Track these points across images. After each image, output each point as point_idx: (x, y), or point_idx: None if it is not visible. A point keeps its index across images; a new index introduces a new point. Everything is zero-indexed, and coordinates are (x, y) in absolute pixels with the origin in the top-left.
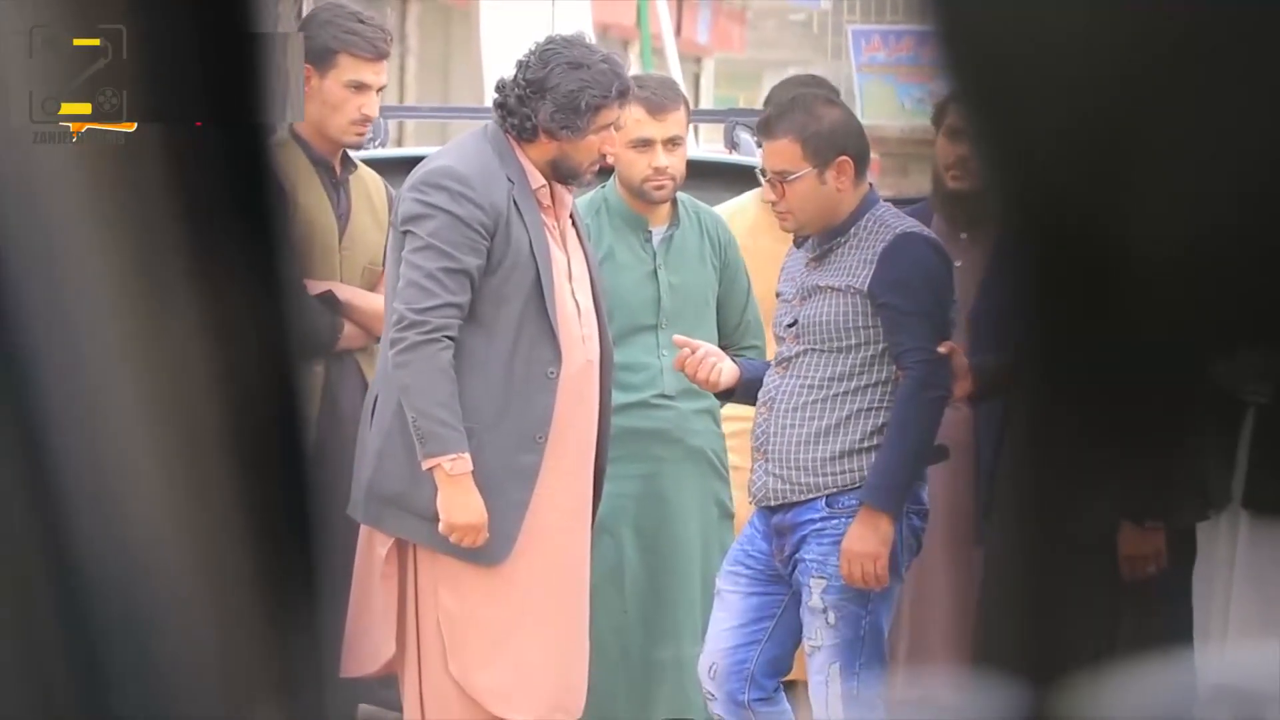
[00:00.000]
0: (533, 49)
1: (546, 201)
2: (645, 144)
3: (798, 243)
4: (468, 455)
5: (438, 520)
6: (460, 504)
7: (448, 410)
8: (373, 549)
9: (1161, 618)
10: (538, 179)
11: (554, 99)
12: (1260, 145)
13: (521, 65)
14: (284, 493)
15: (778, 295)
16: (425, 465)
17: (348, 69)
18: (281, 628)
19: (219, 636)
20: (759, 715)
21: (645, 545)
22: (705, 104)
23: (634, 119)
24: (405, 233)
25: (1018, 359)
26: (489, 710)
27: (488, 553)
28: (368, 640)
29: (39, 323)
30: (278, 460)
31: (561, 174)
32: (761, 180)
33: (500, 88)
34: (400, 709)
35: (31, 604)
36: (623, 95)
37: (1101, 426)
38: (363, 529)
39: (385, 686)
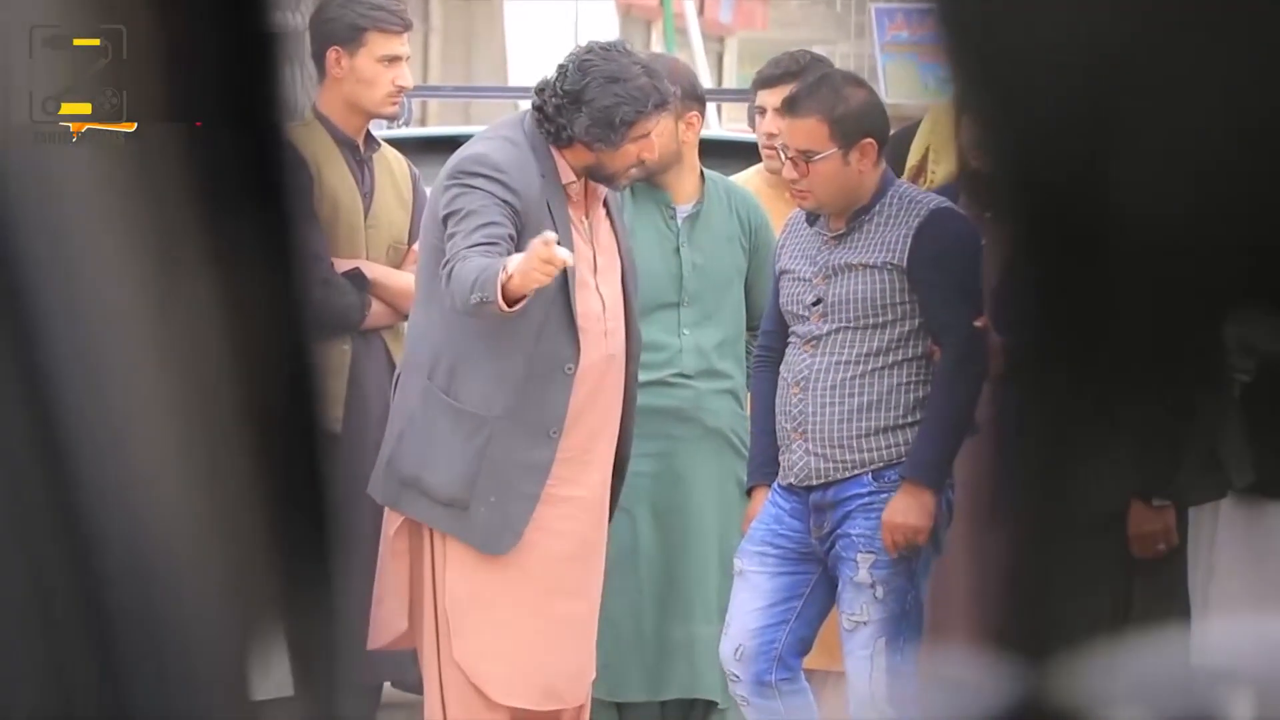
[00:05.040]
0: (573, 55)
1: (576, 196)
2: None
3: (809, 219)
4: (511, 259)
5: (451, 505)
6: (518, 273)
7: (478, 267)
8: (390, 525)
9: (1173, 597)
10: (569, 175)
11: (589, 113)
12: (1257, 123)
13: (560, 72)
14: (307, 476)
15: (783, 272)
16: (499, 300)
17: (379, 45)
18: (305, 610)
19: (240, 623)
20: (784, 695)
21: (661, 524)
22: (728, 83)
23: None
24: (447, 217)
25: (1031, 336)
26: (487, 695)
27: (493, 542)
28: (384, 613)
29: (55, 314)
30: (301, 443)
31: (597, 179)
32: (781, 155)
33: (540, 90)
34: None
35: (49, 592)
36: (660, 108)
37: (1112, 404)
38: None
39: (415, 666)
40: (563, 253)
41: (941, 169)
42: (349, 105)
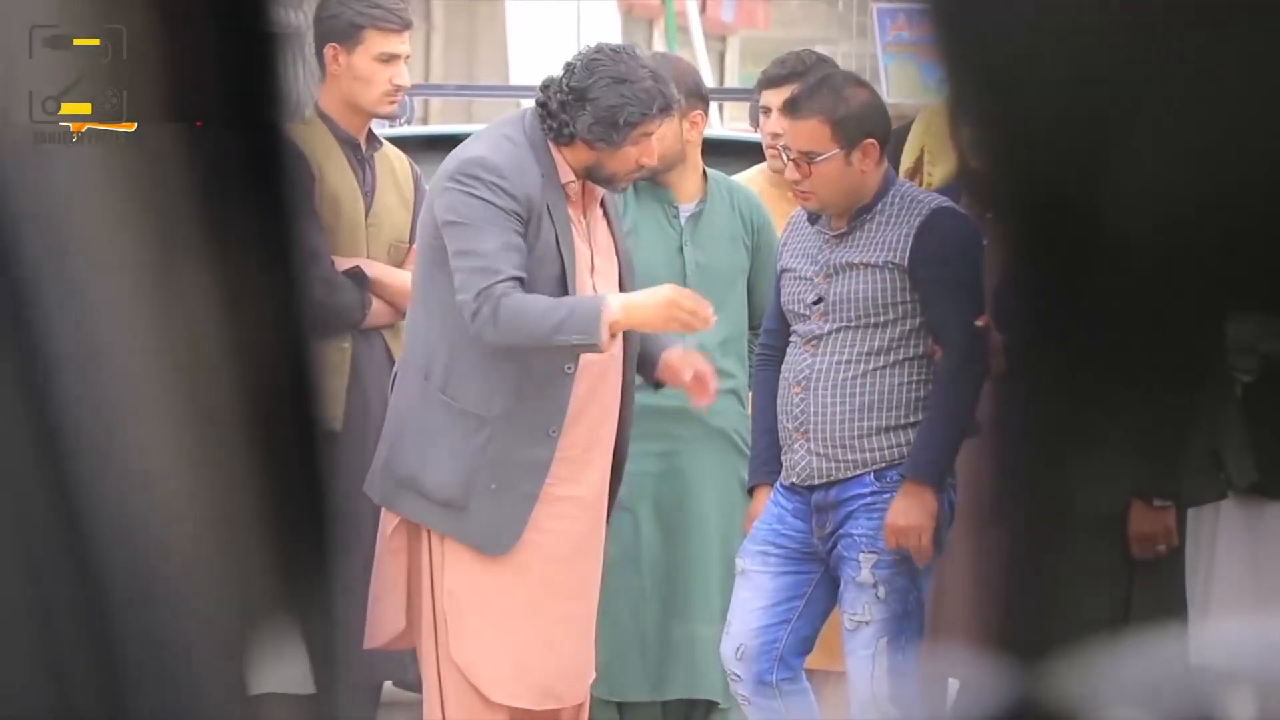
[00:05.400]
0: (581, 54)
1: (575, 196)
2: None
3: (811, 219)
4: (608, 298)
5: (449, 505)
6: (638, 317)
7: (556, 306)
8: (388, 525)
9: (1172, 597)
10: (568, 174)
11: (594, 111)
12: (1255, 123)
13: (568, 70)
14: (308, 475)
15: (785, 271)
16: (605, 341)
17: (376, 43)
18: (305, 609)
19: (240, 622)
20: (785, 695)
21: (663, 523)
22: (730, 82)
23: None
24: (449, 224)
25: (1032, 336)
26: (485, 695)
27: (492, 542)
28: (381, 613)
29: (55, 314)
30: (301, 442)
31: (596, 180)
32: (783, 156)
33: (545, 87)
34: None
35: (49, 594)
36: (664, 111)
37: (1113, 404)
38: None
39: (415, 665)
40: (711, 319)
41: (939, 170)
42: (347, 103)
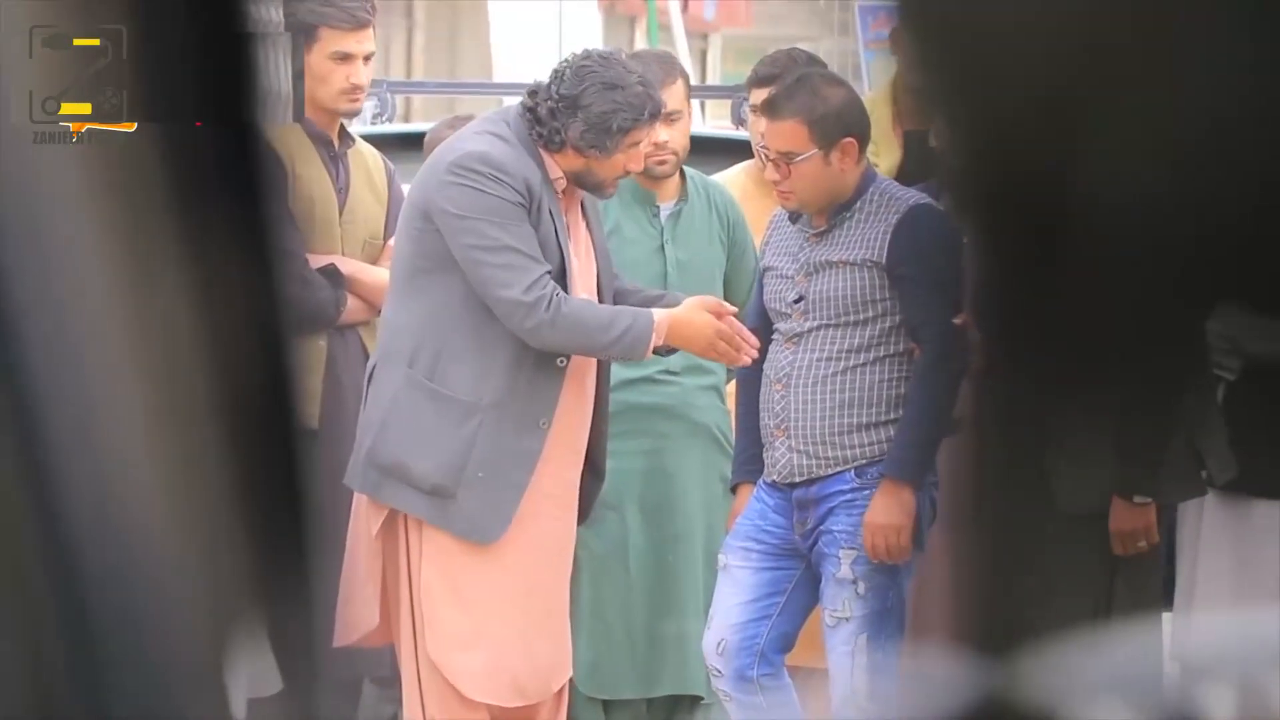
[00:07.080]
0: (569, 61)
1: (560, 195)
2: None
3: (792, 218)
4: (659, 319)
5: (436, 493)
6: (680, 342)
7: (613, 321)
8: (365, 520)
9: (1154, 594)
10: (556, 171)
11: (586, 118)
12: (1233, 116)
13: (556, 77)
14: (285, 473)
15: (767, 269)
16: (646, 358)
17: (330, 41)
18: (284, 608)
19: (219, 621)
20: (766, 690)
21: (649, 520)
22: (712, 80)
23: None
24: (456, 217)
25: (1011, 333)
26: (459, 690)
27: (480, 531)
28: (354, 609)
29: (32, 314)
30: (278, 440)
31: (584, 185)
32: (763, 157)
33: (532, 93)
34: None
35: (29, 594)
36: (654, 117)
37: (1093, 402)
38: (356, 500)
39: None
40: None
41: (883, 160)
42: (311, 101)
